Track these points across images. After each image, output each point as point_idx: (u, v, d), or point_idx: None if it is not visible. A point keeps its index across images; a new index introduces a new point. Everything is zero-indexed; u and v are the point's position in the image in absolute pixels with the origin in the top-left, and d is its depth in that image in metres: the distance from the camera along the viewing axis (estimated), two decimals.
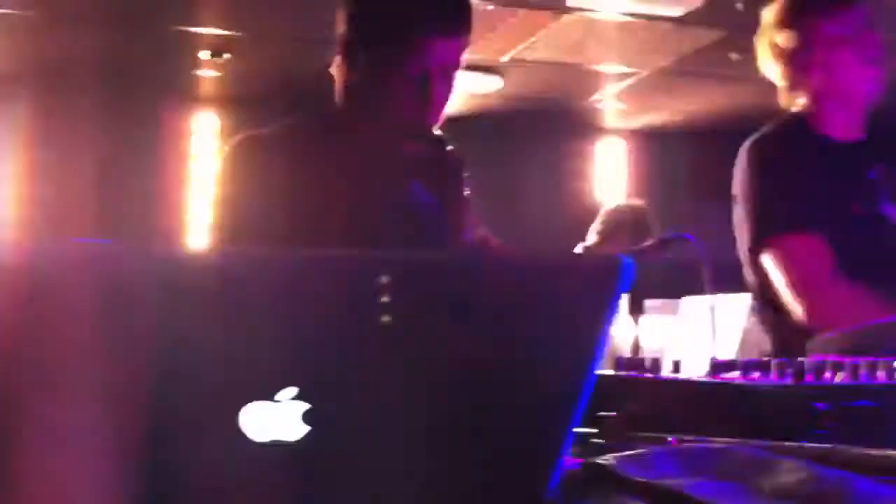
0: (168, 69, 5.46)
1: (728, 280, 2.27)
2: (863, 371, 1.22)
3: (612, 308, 0.69)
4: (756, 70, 2.29)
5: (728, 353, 2.79)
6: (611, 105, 6.30)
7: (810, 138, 2.15)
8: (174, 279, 0.67)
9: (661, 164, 6.77)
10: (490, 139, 6.26)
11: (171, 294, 0.66)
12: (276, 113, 1.97)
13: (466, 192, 1.79)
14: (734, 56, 5.11)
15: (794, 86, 2.17)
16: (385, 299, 0.69)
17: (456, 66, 1.73)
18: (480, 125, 6.30)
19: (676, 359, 1.41)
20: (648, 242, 1.96)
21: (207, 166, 5.96)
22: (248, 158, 1.66)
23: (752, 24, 2.25)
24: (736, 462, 0.87)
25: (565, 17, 4.53)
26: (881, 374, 1.21)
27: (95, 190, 5.51)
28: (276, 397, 0.66)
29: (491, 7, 4.35)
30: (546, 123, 6.40)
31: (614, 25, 4.66)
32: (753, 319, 2.79)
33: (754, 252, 2.12)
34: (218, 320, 0.68)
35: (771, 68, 2.21)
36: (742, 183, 2.17)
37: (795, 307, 2.03)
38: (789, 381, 1.15)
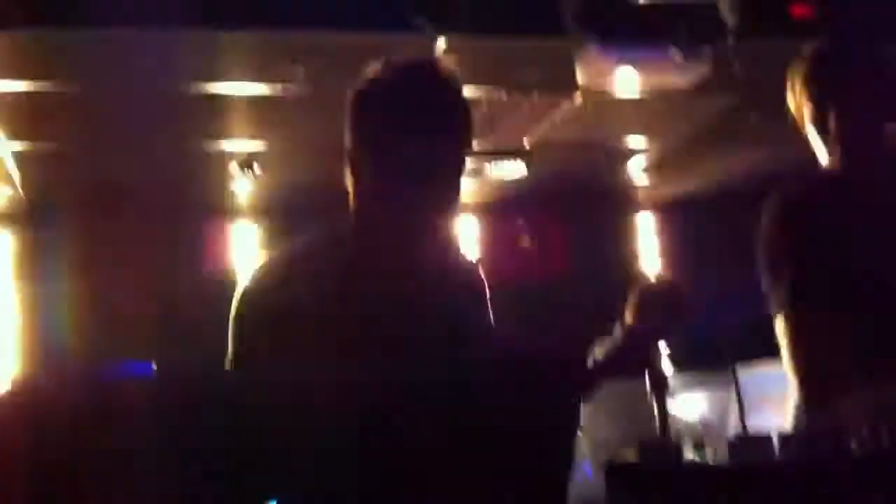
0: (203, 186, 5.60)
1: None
2: None
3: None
4: (777, 130, 2.28)
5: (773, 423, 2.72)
6: (637, 179, 6.29)
7: (834, 198, 2.12)
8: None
9: (692, 234, 6.72)
10: (521, 224, 6.29)
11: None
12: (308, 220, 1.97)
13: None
14: (753, 118, 5.10)
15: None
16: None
17: (461, 169, 1.74)
18: (510, 211, 6.34)
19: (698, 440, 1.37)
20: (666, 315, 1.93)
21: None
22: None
23: (766, 86, 2.25)
24: None
25: (578, 97, 4.57)
26: None
27: (147, 308, 5.62)
28: None
29: (503, 94, 4.41)
30: (577, 204, 6.41)
31: (628, 101, 4.69)
32: None
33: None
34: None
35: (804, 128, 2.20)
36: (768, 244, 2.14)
37: (793, 383, 1.98)
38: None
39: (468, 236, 6.44)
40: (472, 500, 1.23)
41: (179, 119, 4.59)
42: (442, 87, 1.72)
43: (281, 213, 5.95)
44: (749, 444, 1.22)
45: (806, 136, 2.20)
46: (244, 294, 1.68)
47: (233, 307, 1.69)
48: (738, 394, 3.96)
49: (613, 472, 1.11)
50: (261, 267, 1.74)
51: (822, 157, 2.16)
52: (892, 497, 1.09)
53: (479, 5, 3.02)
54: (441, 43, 3.71)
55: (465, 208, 6.30)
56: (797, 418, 2.06)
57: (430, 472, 1.28)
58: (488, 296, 1.86)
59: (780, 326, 2.07)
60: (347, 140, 1.73)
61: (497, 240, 6.49)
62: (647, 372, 1.78)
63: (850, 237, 2.03)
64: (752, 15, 2.65)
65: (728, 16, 2.62)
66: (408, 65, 1.75)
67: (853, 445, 1.11)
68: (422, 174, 1.66)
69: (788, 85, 2.20)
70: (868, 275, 2.00)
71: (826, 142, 2.12)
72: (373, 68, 1.74)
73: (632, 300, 2.05)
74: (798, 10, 2.52)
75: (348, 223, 1.76)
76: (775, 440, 1.20)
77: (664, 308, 1.96)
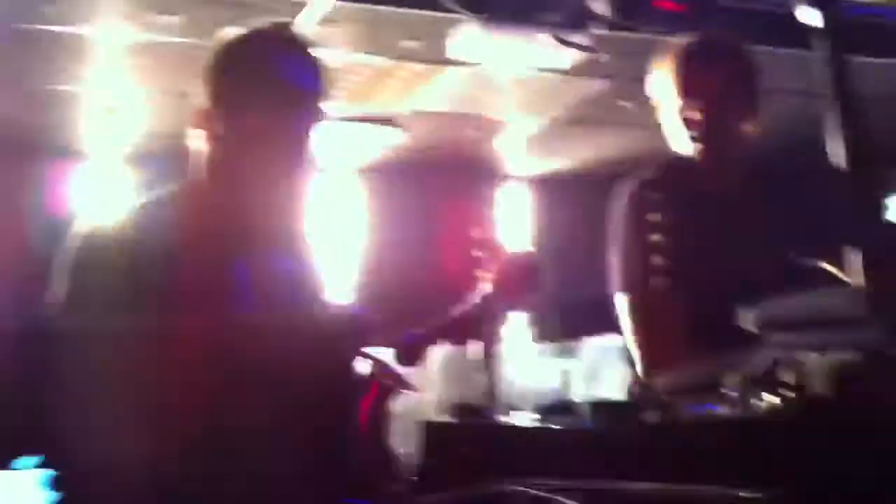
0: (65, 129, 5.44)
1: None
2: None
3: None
4: (647, 116, 2.39)
5: (613, 393, 2.87)
6: (512, 153, 6.43)
7: (687, 186, 2.23)
8: None
9: (561, 210, 6.91)
10: (400, 188, 6.35)
11: None
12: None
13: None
14: (624, 103, 5.27)
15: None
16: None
17: (308, 135, 1.76)
18: (390, 175, 6.39)
19: (515, 403, 1.46)
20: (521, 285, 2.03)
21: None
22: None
23: (639, 73, 2.35)
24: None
25: (455, 70, 4.63)
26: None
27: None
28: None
29: (381, 62, 4.44)
30: (451, 171, 6.50)
31: (504, 77, 4.78)
32: None
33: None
34: None
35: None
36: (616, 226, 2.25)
37: (636, 358, 2.11)
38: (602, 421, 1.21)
39: (350, 198, 6.48)
40: (254, 448, 1.24)
41: (43, 60, 4.43)
42: (304, 55, 1.75)
43: (140, 161, 5.85)
44: (560, 410, 1.31)
45: (665, 125, 2.30)
46: (87, 241, 1.68)
47: (72, 251, 1.67)
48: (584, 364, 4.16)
49: (427, 430, 1.19)
50: (107, 218, 1.73)
51: (679, 147, 2.26)
52: (680, 465, 1.20)
53: None
54: (322, 8, 3.71)
55: (343, 171, 6.34)
56: (628, 392, 2.20)
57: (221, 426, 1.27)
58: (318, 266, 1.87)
59: (619, 304, 2.20)
60: (202, 98, 1.74)
61: (375, 203, 6.54)
62: (484, 338, 1.87)
63: (694, 226, 2.15)
64: (622, 6, 2.75)
65: (599, 5, 2.71)
66: (267, 30, 1.78)
67: (648, 418, 1.21)
68: (274, 138, 1.70)
69: (652, 76, 2.30)
70: (703, 262, 2.13)
71: (686, 134, 2.23)
72: (231, 31, 1.76)
73: (490, 269, 2.14)
74: (665, 4, 2.63)
75: (196, 179, 1.76)
76: (587, 407, 1.29)
77: (519, 279, 2.05)
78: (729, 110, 2.22)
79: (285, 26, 1.81)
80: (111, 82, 4.79)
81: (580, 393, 4.04)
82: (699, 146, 2.22)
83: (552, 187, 7.01)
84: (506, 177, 6.98)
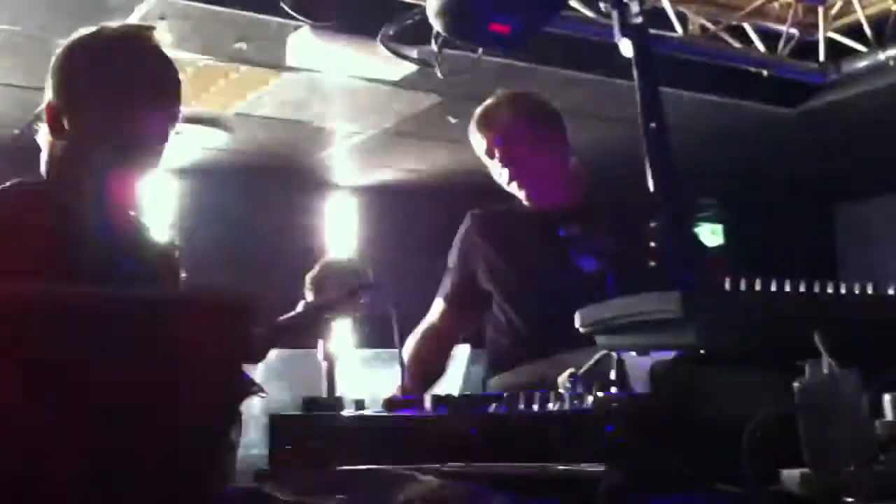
0: None
1: None
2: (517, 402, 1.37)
3: (242, 341, 0.77)
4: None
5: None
6: (340, 162, 6.47)
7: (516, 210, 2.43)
8: None
9: (389, 220, 7.02)
10: (221, 192, 6.26)
11: None
12: None
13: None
14: (452, 119, 5.44)
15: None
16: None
17: (164, 138, 1.76)
18: (212, 178, 6.28)
19: (360, 398, 1.52)
20: (341, 292, 2.09)
21: None
22: None
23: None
24: (377, 480, 0.97)
25: (287, 75, 4.65)
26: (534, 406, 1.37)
27: None
28: None
29: (211, 62, 4.39)
30: (277, 178, 6.48)
31: (336, 86, 4.83)
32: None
33: None
34: None
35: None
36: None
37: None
38: (444, 412, 1.29)
39: (164, 199, 6.32)
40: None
41: None
42: (157, 58, 1.74)
43: None
44: (402, 405, 1.37)
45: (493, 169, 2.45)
46: None
47: None
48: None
49: (275, 422, 1.23)
50: None
51: (511, 188, 2.41)
52: (517, 452, 1.28)
53: None
54: (150, 4, 3.65)
55: (165, 171, 6.18)
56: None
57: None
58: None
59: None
60: (51, 95, 1.69)
61: (194, 204, 6.41)
62: (319, 344, 1.91)
63: (519, 257, 2.36)
64: (454, 24, 2.85)
65: (434, 21, 2.81)
66: (125, 31, 1.76)
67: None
68: (129, 140, 1.68)
69: (474, 127, 2.44)
70: (527, 284, 2.31)
71: (514, 175, 2.37)
72: (86, 30, 1.73)
73: (314, 275, 2.18)
74: (496, 27, 2.75)
75: (46, 178, 1.72)
76: (427, 401, 1.36)
77: (341, 285, 2.10)
78: (528, 152, 2.38)
79: (145, 28, 1.79)
80: None
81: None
82: (519, 189, 2.38)
83: (381, 197, 7.11)
84: (334, 186, 7.03)
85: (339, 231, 7.12)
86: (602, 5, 3.29)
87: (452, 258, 2.46)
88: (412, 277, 2.96)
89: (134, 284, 1.67)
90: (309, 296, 2.09)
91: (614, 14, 2.58)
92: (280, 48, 3.89)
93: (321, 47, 3.70)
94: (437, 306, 2.45)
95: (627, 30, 2.48)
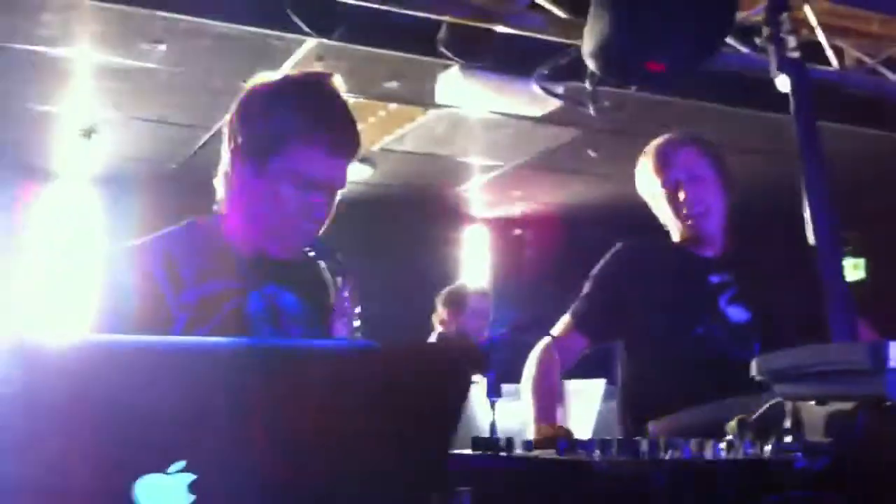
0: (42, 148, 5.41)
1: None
2: (692, 448, 1.37)
3: (465, 391, 0.81)
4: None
5: (583, 434, 2.95)
6: (476, 195, 6.54)
7: (667, 250, 2.41)
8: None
9: (523, 251, 7.04)
10: (362, 224, 6.41)
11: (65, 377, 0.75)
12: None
13: (343, 305, 1.85)
14: (592, 153, 5.44)
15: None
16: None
17: (341, 184, 1.81)
18: (353, 210, 6.45)
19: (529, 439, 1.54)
20: (498, 331, 2.11)
21: None
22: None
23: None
24: None
25: (433, 112, 4.74)
26: (707, 452, 1.36)
27: None
28: (168, 470, 0.75)
29: (363, 100, 4.52)
30: (416, 210, 6.60)
31: (479, 121, 4.90)
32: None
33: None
34: (110, 402, 0.77)
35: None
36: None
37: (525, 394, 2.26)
38: (626, 457, 1.29)
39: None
40: None
41: (23, 81, 4.44)
42: (342, 106, 1.80)
43: (114, 182, 5.87)
44: (575, 446, 1.39)
45: (655, 208, 2.45)
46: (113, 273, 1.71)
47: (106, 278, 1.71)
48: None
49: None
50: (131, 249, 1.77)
51: (672, 228, 2.40)
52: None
53: (354, 15, 3.12)
54: (310, 45, 3.79)
55: None
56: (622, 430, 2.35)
57: None
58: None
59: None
60: (238, 136, 1.76)
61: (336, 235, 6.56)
62: (482, 380, 1.93)
63: (666, 297, 2.32)
64: (610, 64, 2.87)
65: (589, 61, 2.83)
66: (309, 77, 1.83)
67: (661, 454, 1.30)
68: (313, 184, 1.74)
69: (639, 168, 2.43)
70: (673, 327, 2.29)
71: (676, 216, 2.36)
72: (268, 75, 1.81)
73: (449, 307, 2.21)
74: (652, 66, 2.76)
75: (219, 216, 1.80)
76: (596, 446, 1.37)
77: (475, 315, 2.11)
78: (703, 188, 2.36)
79: (324, 74, 1.85)
80: (88, 104, 4.81)
81: None
82: (687, 222, 2.35)
83: (515, 229, 7.14)
84: (470, 218, 7.11)
85: (475, 261, 7.19)
86: (758, 40, 3.25)
87: (594, 281, 2.40)
88: (544, 308, 2.92)
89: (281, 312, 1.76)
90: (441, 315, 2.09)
91: (771, 49, 2.56)
92: (429, 86, 3.98)
93: (470, 86, 3.77)
94: (566, 322, 2.38)
95: (784, 65, 2.46)
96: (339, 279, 1.81)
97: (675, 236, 2.43)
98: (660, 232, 2.47)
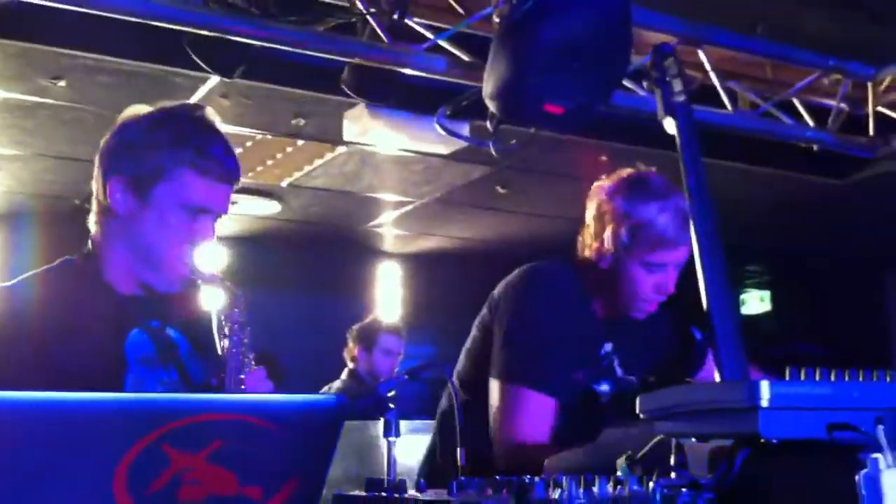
0: None
1: None
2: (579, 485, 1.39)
3: (334, 438, 0.82)
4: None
5: None
6: (388, 230, 6.56)
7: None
8: None
9: (435, 287, 7.06)
10: (272, 260, 6.37)
11: None
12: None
13: (232, 326, 1.84)
14: (501, 189, 5.51)
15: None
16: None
17: (225, 209, 1.83)
18: (263, 246, 6.40)
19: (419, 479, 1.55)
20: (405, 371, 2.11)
21: None
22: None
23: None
24: None
25: (341, 149, 4.76)
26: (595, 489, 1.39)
27: None
28: None
29: (270, 137, 4.51)
30: (328, 246, 6.58)
31: (388, 159, 4.93)
32: None
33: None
34: None
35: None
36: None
37: (499, 449, 2.14)
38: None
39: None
40: None
41: None
42: (219, 133, 1.82)
43: (16, 219, 5.73)
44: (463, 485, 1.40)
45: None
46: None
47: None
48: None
49: (338, 502, 1.27)
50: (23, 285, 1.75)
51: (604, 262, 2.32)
52: None
53: (255, 53, 3.12)
54: (213, 81, 3.78)
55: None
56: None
57: None
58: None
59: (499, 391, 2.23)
60: (119, 168, 1.76)
61: (245, 271, 6.51)
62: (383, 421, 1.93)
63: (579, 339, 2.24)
64: (509, 107, 2.92)
65: (489, 103, 2.89)
66: (185, 107, 1.85)
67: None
68: (200, 210, 1.77)
69: (593, 202, 2.32)
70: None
71: (642, 288, 2.27)
72: (141, 107, 1.82)
73: (360, 343, 2.21)
74: (550, 108, 2.83)
75: (94, 255, 1.79)
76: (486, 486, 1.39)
77: (386, 352, 2.12)
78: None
79: (202, 107, 1.87)
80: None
81: None
82: (645, 302, 2.29)
83: (426, 265, 7.17)
84: (382, 254, 7.12)
85: (387, 297, 7.19)
86: (645, 84, 3.35)
87: (553, 328, 2.18)
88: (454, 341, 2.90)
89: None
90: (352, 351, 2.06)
91: (657, 92, 2.63)
92: (337, 124, 4.00)
93: (376, 124, 3.80)
94: (545, 405, 2.14)
95: (670, 108, 2.52)
96: (229, 301, 1.83)
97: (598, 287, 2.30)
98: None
